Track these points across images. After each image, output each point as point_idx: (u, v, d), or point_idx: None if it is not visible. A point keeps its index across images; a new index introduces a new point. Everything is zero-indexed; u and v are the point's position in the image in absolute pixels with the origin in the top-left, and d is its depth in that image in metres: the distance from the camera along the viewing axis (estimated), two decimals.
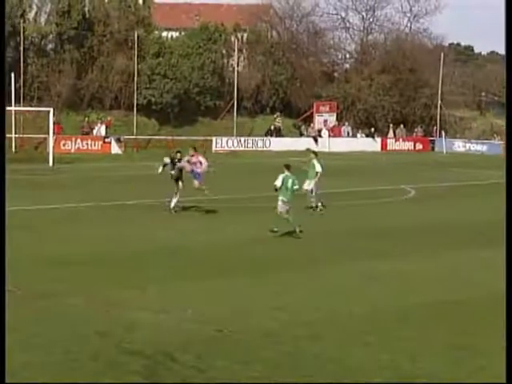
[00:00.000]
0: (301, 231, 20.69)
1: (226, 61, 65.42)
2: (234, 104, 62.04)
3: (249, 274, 16.16)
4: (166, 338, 11.48)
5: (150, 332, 11.78)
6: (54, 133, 46.86)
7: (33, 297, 13.85)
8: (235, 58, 64.76)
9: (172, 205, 24.49)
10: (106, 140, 54.03)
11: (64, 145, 51.91)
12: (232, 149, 58.01)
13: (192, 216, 24.47)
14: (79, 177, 38.30)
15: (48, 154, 44.80)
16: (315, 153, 28.43)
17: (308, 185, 26.50)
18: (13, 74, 51.25)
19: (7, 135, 48.89)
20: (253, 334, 11.90)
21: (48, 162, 43.68)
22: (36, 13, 59.96)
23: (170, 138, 55.01)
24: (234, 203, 27.43)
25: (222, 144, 58.47)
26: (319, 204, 26.35)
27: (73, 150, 51.91)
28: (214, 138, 58.12)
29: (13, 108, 49.89)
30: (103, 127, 55.64)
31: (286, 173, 21.45)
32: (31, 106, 52.53)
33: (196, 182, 24.58)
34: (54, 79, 56.72)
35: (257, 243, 19.69)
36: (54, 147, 45.56)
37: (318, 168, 26.81)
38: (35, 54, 57.48)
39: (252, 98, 65.12)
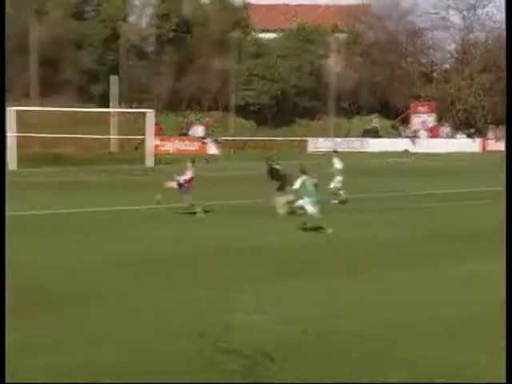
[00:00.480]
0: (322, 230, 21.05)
1: (323, 62, 65.44)
2: (330, 105, 61.98)
3: (341, 274, 16.20)
4: (261, 339, 11.62)
5: (246, 332, 11.93)
6: (153, 134, 47.70)
7: (122, 297, 14.12)
8: (332, 58, 64.70)
9: (281, 204, 24.20)
10: (204, 141, 54.72)
11: (163, 145, 52.80)
12: (328, 150, 57.99)
13: (287, 217, 24.58)
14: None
15: (147, 154, 45.61)
16: (336, 151, 30.50)
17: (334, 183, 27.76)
18: (114, 77, 52.38)
19: (107, 136, 50.12)
20: (342, 334, 11.96)
21: (147, 163, 44.47)
22: (137, 16, 61.16)
23: (266, 138, 55.34)
24: (331, 205, 27.45)
25: (318, 145, 58.50)
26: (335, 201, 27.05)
27: (171, 151, 52.75)
28: (309, 139, 58.20)
29: (114, 110, 51.01)
30: (201, 128, 56.35)
31: (304, 177, 21.58)
32: (131, 108, 53.56)
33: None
34: (153, 81, 57.73)
35: (347, 244, 19.69)
36: (153, 148, 46.37)
37: (338, 165, 28.27)
38: (136, 57, 58.60)
39: (349, 99, 64.98)
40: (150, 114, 46.62)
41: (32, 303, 13.35)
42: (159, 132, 52.84)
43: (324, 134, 60.34)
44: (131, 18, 60.24)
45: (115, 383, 9.89)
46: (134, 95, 56.92)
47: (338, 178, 28.09)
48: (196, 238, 20.37)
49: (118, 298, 13.83)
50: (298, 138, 55.78)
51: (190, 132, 56.38)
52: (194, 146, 54.44)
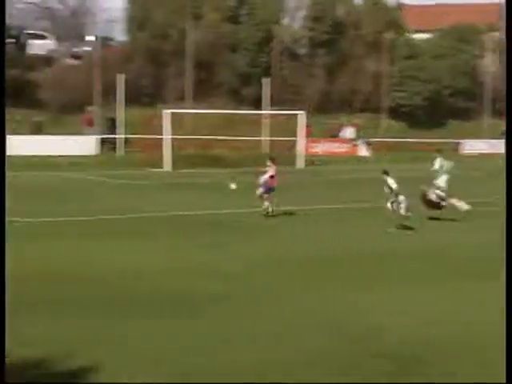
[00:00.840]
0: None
1: (478, 61, 64.14)
2: (485, 105, 60.68)
3: (481, 277, 15.95)
4: (412, 341, 11.65)
5: (397, 334, 11.96)
6: (303, 135, 47.99)
7: (268, 295, 14.36)
8: (487, 58, 63.31)
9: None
10: (355, 143, 54.63)
11: (313, 147, 53.05)
12: (483, 151, 56.77)
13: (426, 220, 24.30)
14: (327, 179, 38.96)
15: (297, 156, 45.96)
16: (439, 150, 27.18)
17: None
18: (267, 79, 53.00)
19: (259, 138, 50.77)
20: (489, 337, 11.82)
21: (297, 165, 44.83)
22: (291, 18, 61.68)
23: (418, 140, 54.71)
24: (482, 207, 26.90)
25: (473, 146, 57.37)
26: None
27: (321, 152, 52.93)
28: (463, 141, 57.17)
29: (266, 111, 51.64)
30: (352, 130, 56.28)
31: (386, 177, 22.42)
32: (283, 109, 54.07)
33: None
34: (305, 83, 58.07)
35: (485, 247, 19.26)
36: (303, 150, 46.67)
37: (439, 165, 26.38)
38: (288, 59, 59.10)
39: (505, 99, 63.42)
40: (302, 115, 46.95)
41: (199, 303, 13.71)
42: (310, 134, 53.11)
43: (478, 135, 59.14)
44: (284, 21, 60.79)
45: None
46: (286, 97, 57.39)
47: (443, 178, 26.76)
48: (336, 240, 20.45)
49: (276, 297, 14.10)
50: (451, 141, 54.86)
51: (341, 134, 56.40)
52: (344, 148, 54.44)
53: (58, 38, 60.71)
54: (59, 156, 43.00)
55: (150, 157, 43.11)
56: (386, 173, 22.63)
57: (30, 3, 72.16)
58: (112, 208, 26.14)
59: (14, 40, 50.78)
